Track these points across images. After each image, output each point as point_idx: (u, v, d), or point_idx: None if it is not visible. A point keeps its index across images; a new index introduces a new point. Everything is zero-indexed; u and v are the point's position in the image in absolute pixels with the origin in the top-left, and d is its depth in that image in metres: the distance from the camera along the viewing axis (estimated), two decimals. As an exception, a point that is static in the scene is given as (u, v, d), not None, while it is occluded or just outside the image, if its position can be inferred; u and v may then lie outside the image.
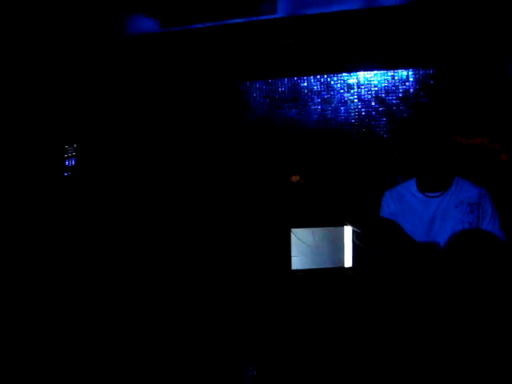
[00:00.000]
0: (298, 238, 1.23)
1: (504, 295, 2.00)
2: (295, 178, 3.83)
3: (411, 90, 4.18)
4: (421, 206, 2.63)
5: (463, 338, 2.00)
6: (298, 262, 1.23)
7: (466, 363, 1.97)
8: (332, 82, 4.40)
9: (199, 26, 3.95)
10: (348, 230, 1.21)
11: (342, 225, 1.24)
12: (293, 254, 1.22)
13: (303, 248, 1.21)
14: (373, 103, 4.26)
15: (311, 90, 4.40)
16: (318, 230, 1.25)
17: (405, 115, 4.17)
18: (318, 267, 1.25)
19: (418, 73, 4.18)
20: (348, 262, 1.25)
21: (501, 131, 3.97)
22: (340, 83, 4.34)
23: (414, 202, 2.67)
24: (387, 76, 4.25)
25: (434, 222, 2.57)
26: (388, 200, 2.72)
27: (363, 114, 4.26)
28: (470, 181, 2.67)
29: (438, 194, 2.63)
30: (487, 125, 3.95)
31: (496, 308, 2.00)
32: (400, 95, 4.20)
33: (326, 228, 1.26)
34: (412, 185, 2.73)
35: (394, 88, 4.22)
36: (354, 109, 4.32)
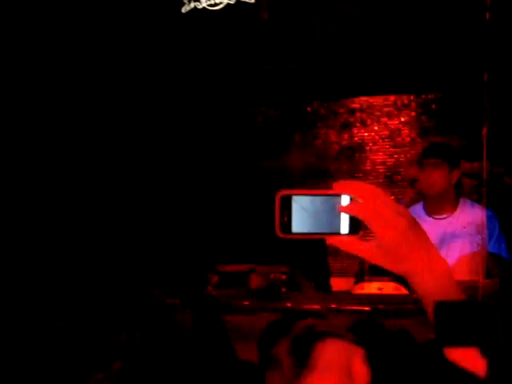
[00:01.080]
0: (299, 204, 1.25)
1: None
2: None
3: (413, 115, 4.23)
4: (429, 228, 2.63)
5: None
6: (297, 225, 1.26)
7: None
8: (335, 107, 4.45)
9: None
10: (345, 199, 1.22)
11: (339, 193, 1.24)
12: (293, 218, 1.25)
13: (303, 213, 1.24)
14: (376, 128, 4.31)
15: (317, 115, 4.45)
16: (317, 197, 1.27)
17: (407, 139, 4.22)
18: (315, 232, 1.27)
19: (421, 98, 4.23)
20: (344, 229, 1.25)
21: (503, 155, 4.01)
22: (343, 108, 4.39)
23: (422, 225, 2.70)
24: (389, 101, 4.30)
25: (443, 243, 2.59)
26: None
27: (366, 137, 4.31)
28: (475, 202, 2.72)
29: (444, 216, 2.66)
30: (490, 149, 3.97)
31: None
32: (402, 119, 4.25)
33: (324, 196, 1.28)
34: (419, 208, 2.77)
35: (396, 112, 4.27)
36: (357, 133, 4.37)
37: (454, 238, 2.58)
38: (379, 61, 3.97)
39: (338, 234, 1.26)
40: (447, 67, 4.03)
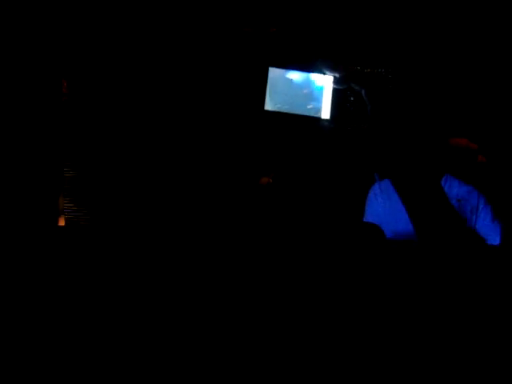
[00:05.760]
0: (274, 79, 1.09)
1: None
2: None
3: (389, 87, 4.09)
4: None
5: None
6: (271, 103, 1.10)
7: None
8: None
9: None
10: (329, 79, 1.08)
11: (323, 72, 1.11)
12: (267, 94, 1.09)
13: (279, 90, 1.08)
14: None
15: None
16: (297, 74, 1.12)
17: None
18: (293, 112, 1.12)
19: (392, 71, 4.12)
20: (326, 114, 1.13)
21: (478, 131, 3.95)
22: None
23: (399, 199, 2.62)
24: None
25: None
26: (376, 191, 2.65)
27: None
28: (459, 179, 2.68)
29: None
30: (465, 125, 3.92)
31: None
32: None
33: (305, 73, 1.13)
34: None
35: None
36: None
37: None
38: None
39: (319, 118, 1.11)
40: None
